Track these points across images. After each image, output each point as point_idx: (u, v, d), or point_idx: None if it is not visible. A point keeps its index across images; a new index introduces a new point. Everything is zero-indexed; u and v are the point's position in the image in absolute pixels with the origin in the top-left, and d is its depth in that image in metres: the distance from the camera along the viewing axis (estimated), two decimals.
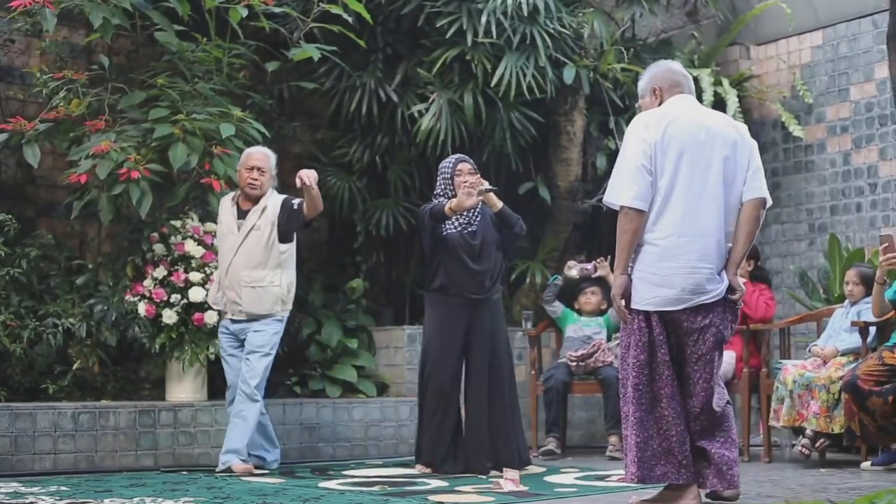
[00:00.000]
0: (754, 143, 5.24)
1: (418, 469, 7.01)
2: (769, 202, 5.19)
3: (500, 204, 7.04)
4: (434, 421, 6.99)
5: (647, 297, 5.02)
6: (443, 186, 7.09)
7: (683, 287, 4.96)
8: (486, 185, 6.99)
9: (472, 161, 7.22)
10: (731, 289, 5.06)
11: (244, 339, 7.00)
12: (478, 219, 7.06)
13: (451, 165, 7.10)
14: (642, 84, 5.38)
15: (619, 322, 8.30)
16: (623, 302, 5.14)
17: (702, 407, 5.07)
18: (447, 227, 6.99)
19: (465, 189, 6.80)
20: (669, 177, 4.98)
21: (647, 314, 5.03)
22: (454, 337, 6.98)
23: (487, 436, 6.92)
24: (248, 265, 6.97)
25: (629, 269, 5.10)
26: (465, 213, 6.97)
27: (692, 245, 4.96)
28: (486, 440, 6.91)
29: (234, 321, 7.03)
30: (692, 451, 5.08)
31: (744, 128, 5.27)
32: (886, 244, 6.81)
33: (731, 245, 5.09)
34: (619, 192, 5.03)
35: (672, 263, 4.96)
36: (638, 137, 5.04)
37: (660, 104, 5.23)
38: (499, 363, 7.04)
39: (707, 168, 5.00)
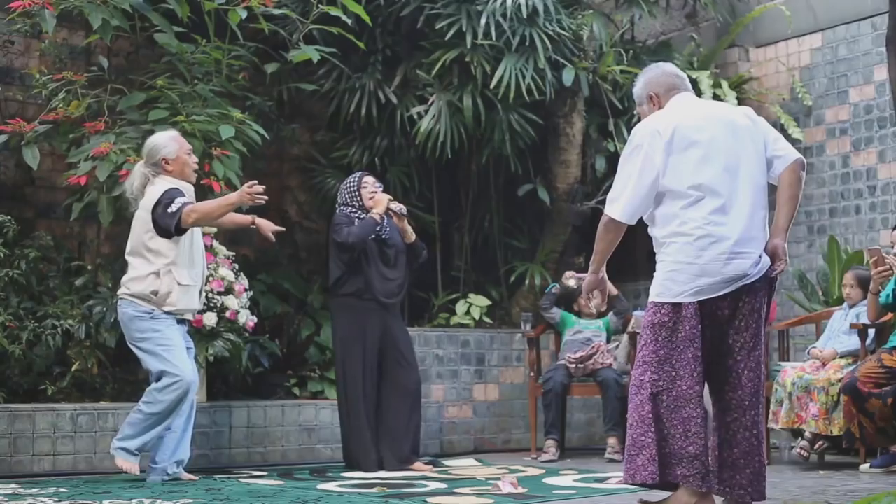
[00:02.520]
0: (762, 119, 5.17)
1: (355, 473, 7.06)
2: (804, 161, 5.09)
3: (413, 236, 7.58)
4: (362, 422, 7.22)
5: (684, 288, 4.82)
6: (349, 198, 7.44)
7: (725, 275, 4.80)
8: (402, 207, 7.50)
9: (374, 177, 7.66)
10: (772, 259, 4.91)
11: None
12: (388, 228, 7.45)
13: (356, 179, 7.50)
14: (638, 91, 5.29)
15: (618, 325, 8.39)
16: (596, 296, 5.28)
17: (750, 399, 4.90)
18: None
19: (375, 199, 7.36)
20: (693, 174, 4.85)
21: (678, 308, 4.84)
22: (372, 340, 7.30)
23: (405, 431, 7.31)
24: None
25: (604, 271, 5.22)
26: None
27: (729, 231, 4.81)
28: (403, 435, 7.30)
29: (186, 321, 6.75)
30: (732, 455, 4.91)
31: (749, 110, 5.19)
32: (875, 258, 6.84)
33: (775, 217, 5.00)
34: (611, 202, 4.99)
35: (709, 252, 4.80)
36: (640, 149, 4.91)
37: (659, 109, 5.15)
38: (411, 362, 7.47)
39: (729, 158, 4.89)
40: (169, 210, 6.41)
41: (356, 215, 7.36)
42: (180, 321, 6.61)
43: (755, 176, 4.96)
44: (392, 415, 7.31)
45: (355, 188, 7.43)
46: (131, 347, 6.56)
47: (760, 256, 4.88)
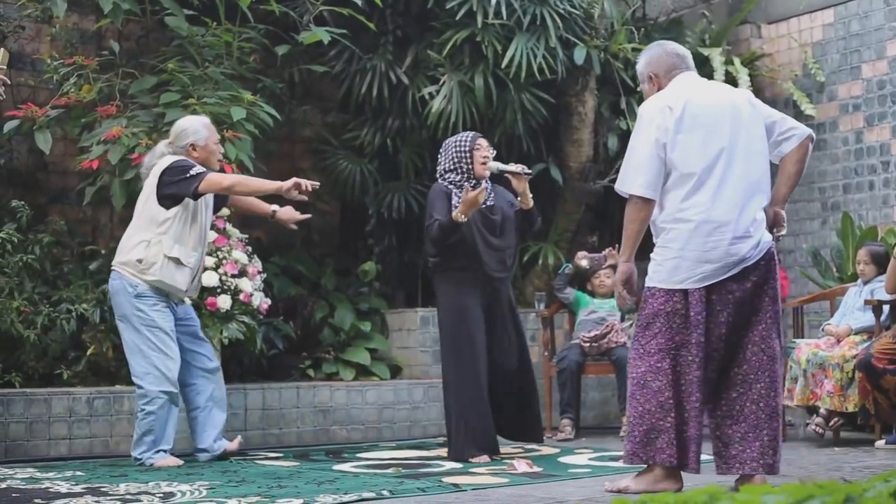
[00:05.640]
0: (762, 103, 5.22)
1: (479, 460, 6.48)
2: (814, 136, 5.15)
3: (531, 202, 6.80)
4: (481, 406, 6.61)
5: (688, 275, 4.88)
6: (456, 161, 6.70)
7: (726, 260, 4.85)
8: (523, 167, 6.78)
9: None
10: (774, 225, 5.04)
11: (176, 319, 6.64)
12: (492, 195, 6.78)
13: (468, 140, 6.74)
14: (640, 69, 5.32)
15: (632, 304, 8.36)
16: (625, 289, 5.11)
17: (756, 374, 4.93)
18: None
19: (469, 195, 6.39)
20: (696, 156, 4.89)
21: (686, 294, 4.90)
22: (479, 316, 6.63)
23: (517, 412, 6.81)
24: None
25: (633, 256, 5.08)
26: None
27: (729, 216, 4.86)
28: (517, 417, 6.82)
29: (181, 303, 6.68)
30: (739, 430, 4.96)
31: (749, 94, 5.26)
32: None
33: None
34: (629, 180, 4.97)
35: (711, 238, 4.85)
36: (652, 123, 4.94)
37: (658, 90, 5.16)
38: (522, 341, 6.87)
39: (733, 141, 4.93)
40: (188, 175, 6.34)
41: (460, 182, 6.62)
42: (168, 302, 6.52)
43: (756, 160, 5.01)
44: (503, 396, 6.76)
45: (467, 150, 6.69)
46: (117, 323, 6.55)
47: (762, 236, 4.95)
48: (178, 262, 6.44)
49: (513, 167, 6.74)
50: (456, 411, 6.61)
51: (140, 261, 6.38)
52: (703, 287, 4.88)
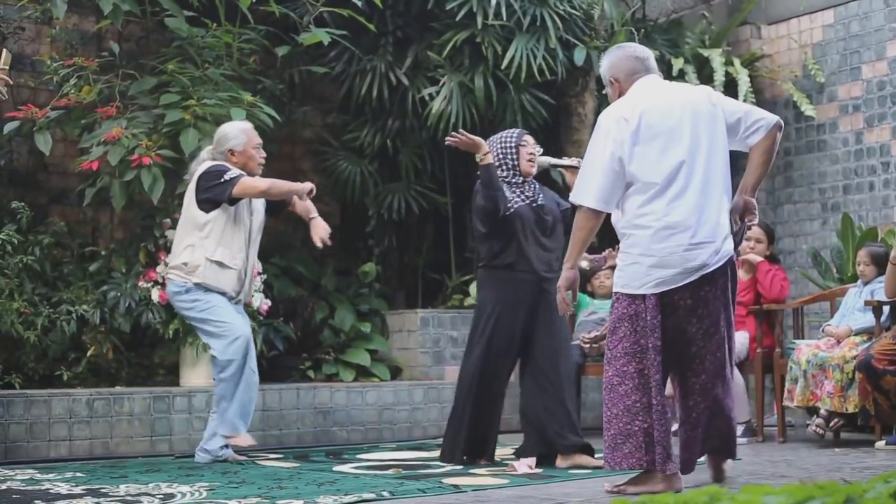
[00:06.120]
0: (726, 99, 5.21)
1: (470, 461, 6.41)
2: (782, 123, 5.13)
3: None
4: (495, 411, 6.45)
5: (644, 280, 4.93)
6: (501, 157, 6.44)
7: (684, 266, 4.88)
8: (579, 161, 6.46)
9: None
10: (744, 214, 5.07)
11: None
12: (540, 195, 6.54)
13: (514, 136, 6.52)
14: (602, 73, 5.34)
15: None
16: (569, 294, 5.17)
17: (713, 381, 5.04)
18: (514, 200, 6.39)
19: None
20: (655, 166, 4.91)
21: (643, 298, 4.94)
22: (519, 317, 6.37)
23: (557, 420, 6.39)
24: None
25: (583, 260, 5.18)
26: (527, 187, 6.49)
27: (688, 222, 4.88)
28: (558, 425, 6.39)
29: (237, 302, 6.71)
30: (696, 435, 5.11)
31: (711, 91, 5.23)
32: None
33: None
34: (582, 191, 5.03)
35: (668, 243, 4.88)
36: (609, 135, 4.97)
37: (620, 94, 5.18)
38: (563, 346, 6.54)
39: (691, 146, 4.94)
40: (222, 180, 6.44)
41: (506, 179, 6.42)
42: (238, 302, 6.66)
43: (716, 163, 5.02)
44: (530, 404, 6.45)
45: (513, 145, 6.45)
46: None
47: (723, 244, 4.97)
48: (220, 264, 6.51)
49: (567, 161, 6.62)
50: (470, 412, 6.39)
51: (185, 264, 6.52)
52: (660, 292, 4.92)
